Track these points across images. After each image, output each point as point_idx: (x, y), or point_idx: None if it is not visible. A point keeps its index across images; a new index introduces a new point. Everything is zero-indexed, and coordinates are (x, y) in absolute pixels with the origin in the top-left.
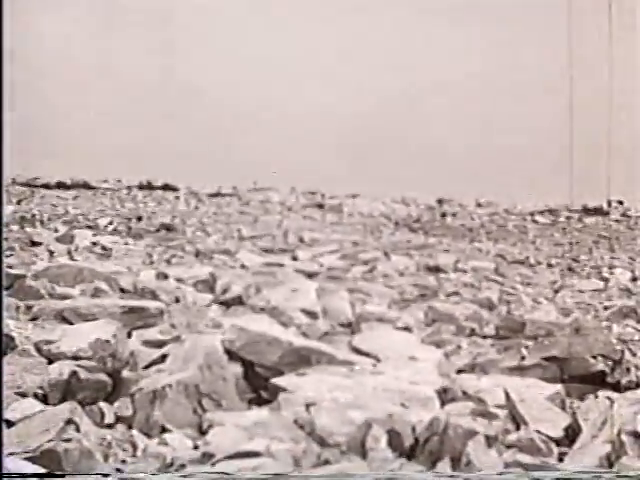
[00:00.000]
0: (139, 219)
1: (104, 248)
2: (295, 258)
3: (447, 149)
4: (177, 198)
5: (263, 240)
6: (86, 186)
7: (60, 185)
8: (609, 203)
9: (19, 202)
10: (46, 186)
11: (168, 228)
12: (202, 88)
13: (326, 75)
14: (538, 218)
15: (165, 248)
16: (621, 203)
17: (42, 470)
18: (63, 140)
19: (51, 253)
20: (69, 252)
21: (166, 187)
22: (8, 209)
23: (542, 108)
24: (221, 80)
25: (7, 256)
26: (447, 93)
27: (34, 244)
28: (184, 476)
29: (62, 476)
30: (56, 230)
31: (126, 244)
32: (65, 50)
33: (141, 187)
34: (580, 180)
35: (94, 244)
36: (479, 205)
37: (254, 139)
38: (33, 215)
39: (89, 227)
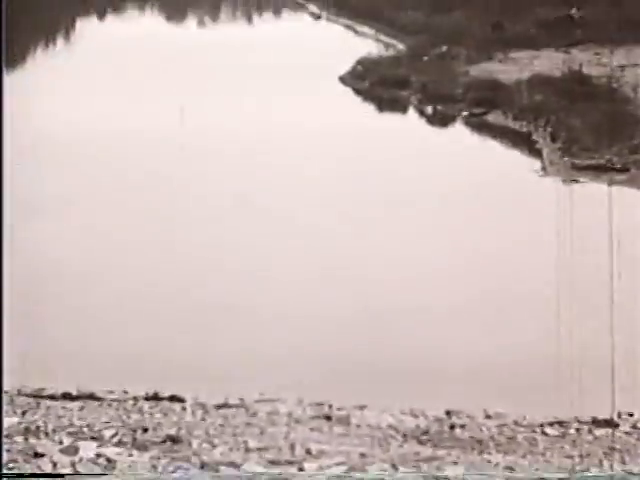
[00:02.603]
0: (145, 430)
1: (108, 460)
2: (302, 469)
3: (454, 362)
4: (184, 409)
5: (270, 452)
6: (92, 397)
7: (66, 396)
8: (619, 415)
9: (24, 413)
10: (52, 397)
11: (174, 439)
12: (206, 306)
13: (327, 279)
14: (547, 430)
15: (170, 460)
16: (631, 415)
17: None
18: (69, 350)
19: (54, 465)
20: (73, 464)
21: (173, 398)
22: (12, 420)
23: (545, 320)
24: (223, 290)
25: (9, 469)
26: (449, 306)
27: (37, 455)
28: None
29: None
30: (61, 442)
31: (130, 455)
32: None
33: (147, 398)
34: (589, 391)
35: (98, 455)
36: (488, 417)
37: (260, 351)
38: (38, 426)
39: (94, 438)
